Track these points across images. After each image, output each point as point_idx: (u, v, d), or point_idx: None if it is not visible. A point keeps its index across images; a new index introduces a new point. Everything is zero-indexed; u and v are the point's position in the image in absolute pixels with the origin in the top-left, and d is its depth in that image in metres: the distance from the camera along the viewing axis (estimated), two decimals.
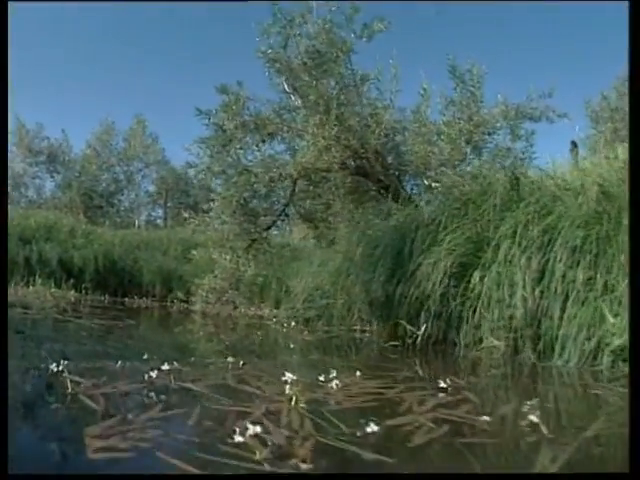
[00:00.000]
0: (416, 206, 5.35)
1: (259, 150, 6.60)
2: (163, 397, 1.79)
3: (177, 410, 1.64)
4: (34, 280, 9.90)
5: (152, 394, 1.82)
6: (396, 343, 3.42)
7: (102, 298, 10.24)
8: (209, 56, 39.39)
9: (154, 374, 2.06)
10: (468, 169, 7.59)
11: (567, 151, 7.13)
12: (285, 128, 5.96)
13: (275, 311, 7.03)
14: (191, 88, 44.14)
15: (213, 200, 7.05)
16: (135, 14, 32.77)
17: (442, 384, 2.12)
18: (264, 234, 8.00)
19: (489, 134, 7.90)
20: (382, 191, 7.91)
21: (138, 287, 12.16)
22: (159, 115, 44.36)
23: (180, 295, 10.01)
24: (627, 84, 15.39)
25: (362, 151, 6.84)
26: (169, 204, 27.23)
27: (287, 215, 8.76)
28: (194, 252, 8.15)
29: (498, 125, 7.79)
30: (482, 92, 7.62)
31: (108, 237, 13.24)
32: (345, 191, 8.04)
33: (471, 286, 3.32)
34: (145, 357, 2.44)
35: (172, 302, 11.89)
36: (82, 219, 16.44)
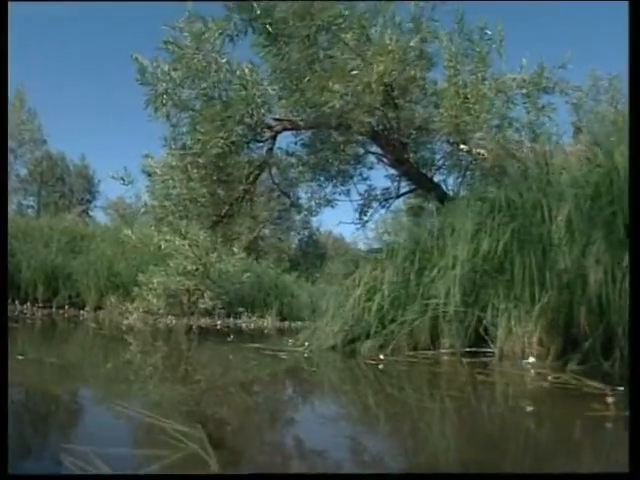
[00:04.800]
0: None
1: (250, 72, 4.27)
2: None
3: None
4: None
5: None
6: None
7: None
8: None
9: None
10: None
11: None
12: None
13: (275, 323, 4.70)
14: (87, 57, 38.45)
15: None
16: None
17: None
18: (235, 207, 5.62)
19: (507, 101, 6.51)
20: (389, 159, 6.02)
21: (16, 288, 9.58)
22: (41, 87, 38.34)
23: (113, 300, 7.27)
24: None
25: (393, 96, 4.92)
26: (43, 192, 22.84)
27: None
28: (127, 232, 5.48)
29: (523, 92, 6.43)
30: (502, 53, 6.25)
31: None
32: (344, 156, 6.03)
33: None
34: None
35: (61, 308, 9.58)
36: None
